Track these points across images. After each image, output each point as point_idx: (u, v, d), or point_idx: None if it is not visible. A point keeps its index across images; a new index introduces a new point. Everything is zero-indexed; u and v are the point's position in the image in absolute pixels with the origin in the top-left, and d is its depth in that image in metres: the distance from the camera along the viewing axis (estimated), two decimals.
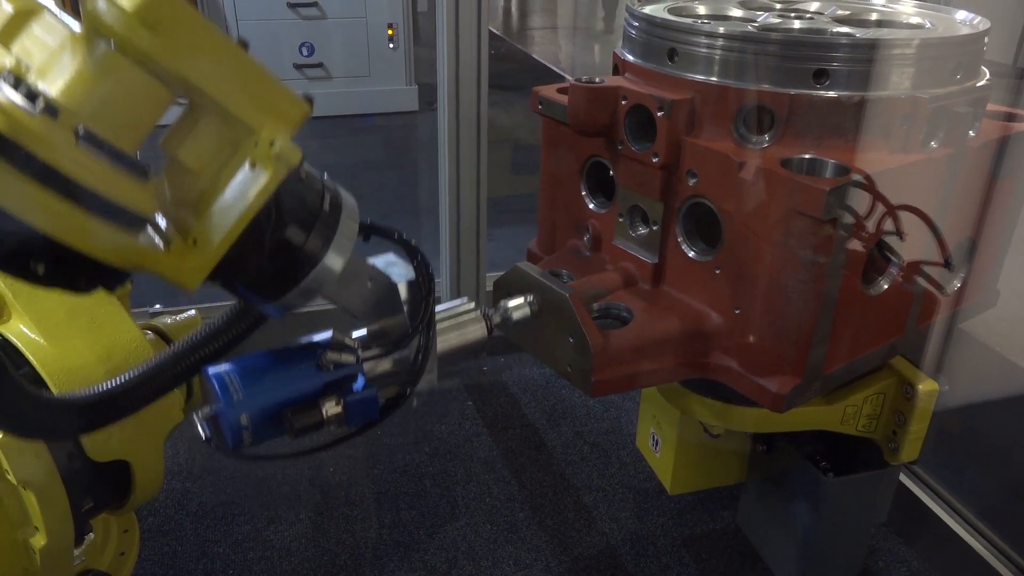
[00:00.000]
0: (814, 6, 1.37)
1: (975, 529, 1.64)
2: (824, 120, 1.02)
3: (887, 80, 1.00)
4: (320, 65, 4.56)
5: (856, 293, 1.06)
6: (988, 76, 1.15)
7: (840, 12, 1.28)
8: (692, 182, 1.08)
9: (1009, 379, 1.71)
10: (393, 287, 0.87)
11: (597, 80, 1.17)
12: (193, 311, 1.35)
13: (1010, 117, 1.20)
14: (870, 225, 0.99)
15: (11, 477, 1.00)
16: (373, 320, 0.90)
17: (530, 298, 1.11)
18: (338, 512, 1.79)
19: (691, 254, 1.13)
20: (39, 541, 1.03)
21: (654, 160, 1.10)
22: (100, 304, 1.12)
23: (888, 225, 1.01)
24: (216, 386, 0.79)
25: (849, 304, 1.05)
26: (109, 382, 0.77)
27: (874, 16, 1.27)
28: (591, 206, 1.31)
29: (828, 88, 1.00)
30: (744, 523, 1.76)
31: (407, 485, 1.88)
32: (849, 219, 0.95)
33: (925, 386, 1.28)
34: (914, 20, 1.24)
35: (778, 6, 1.38)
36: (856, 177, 0.94)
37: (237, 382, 0.80)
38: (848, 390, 1.30)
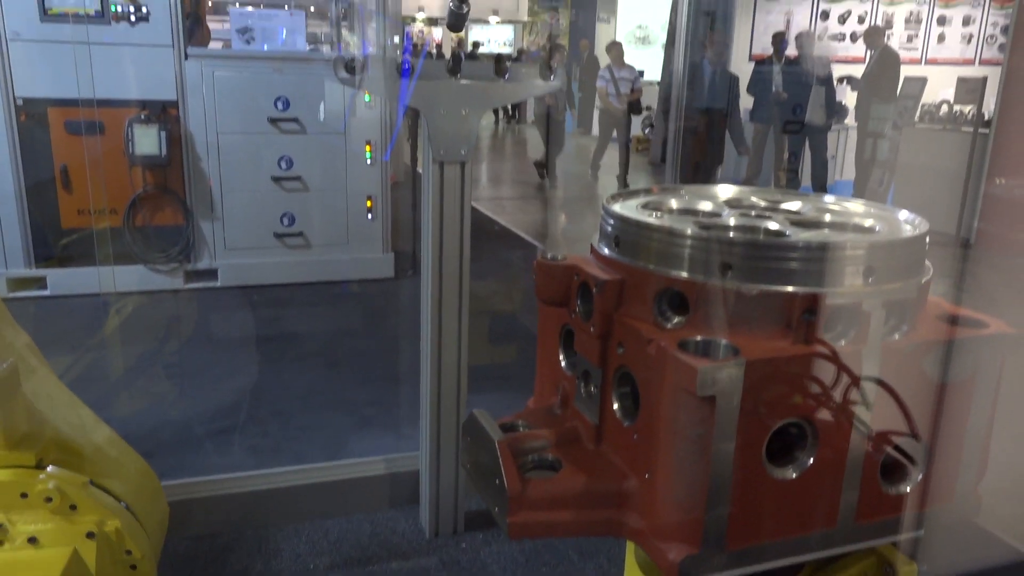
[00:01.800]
0: (795, 206, 1.49)
1: None
2: (730, 308, 1.12)
3: (789, 276, 1.10)
4: (300, 234, 4.92)
5: (758, 473, 1.12)
6: (925, 275, 1.21)
7: (805, 215, 1.39)
8: (620, 351, 1.21)
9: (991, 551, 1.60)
10: None
11: (559, 258, 1.34)
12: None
13: (953, 320, 1.24)
14: (767, 408, 1.07)
15: None
16: None
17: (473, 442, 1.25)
18: None
19: (620, 419, 1.24)
20: None
21: (591, 330, 1.24)
22: None
23: (791, 411, 1.08)
24: None
25: (751, 483, 1.11)
26: None
27: (829, 219, 1.37)
28: (564, 368, 1.45)
29: (732, 279, 1.12)
30: None
31: None
32: (733, 399, 1.04)
33: (907, 569, 1.27)
34: (868, 223, 1.33)
35: (763, 204, 1.51)
36: (739, 361, 1.03)
37: None
38: (829, 571, 1.31)
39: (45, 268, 4.55)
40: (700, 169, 6.91)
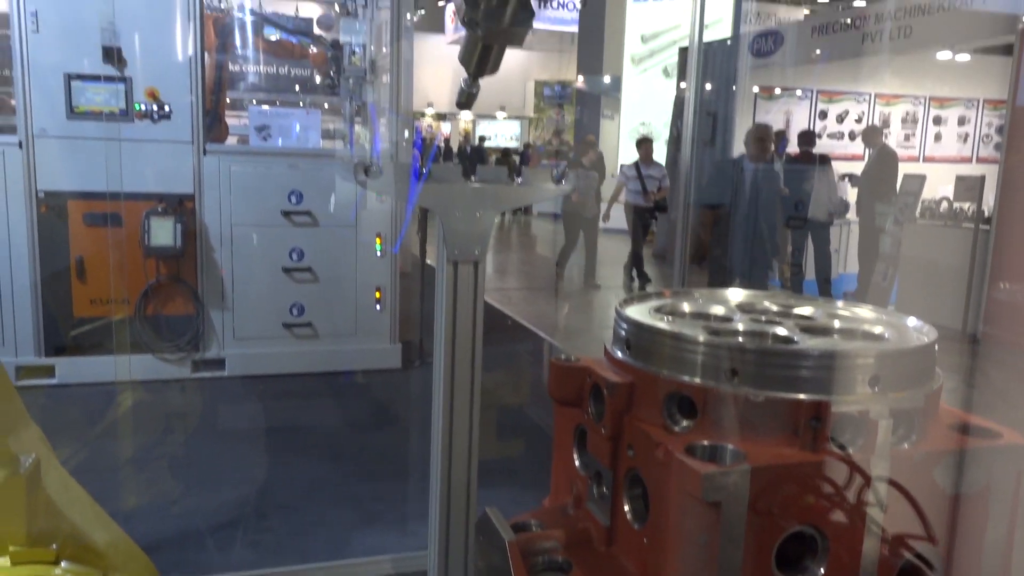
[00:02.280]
0: (807, 311, 1.52)
1: None
2: (738, 414, 1.14)
3: (796, 383, 1.13)
4: (309, 324, 4.93)
5: None
6: (935, 383, 1.23)
7: (816, 321, 1.43)
8: (631, 454, 1.22)
9: None
10: None
11: (573, 359, 1.37)
12: None
13: (964, 429, 1.25)
14: (774, 515, 1.07)
15: None
16: None
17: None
18: None
19: (630, 521, 1.24)
20: None
21: (603, 432, 1.25)
22: None
23: (800, 518, 1.08)
24: None
25: None
26: None
27: (839, 325, 1.40)
28: (577, 468, 1.45)
29: (739, 385, 1.14)
30: None
31: None
32: (739, 505, 1.05)
33: None
34: (877, 330, 1.36)
35: (775, 308, 1.54)
36: (745, 467, 1.05)
37: None
38: None
39: (55, 357, 4.58)
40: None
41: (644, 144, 9.73)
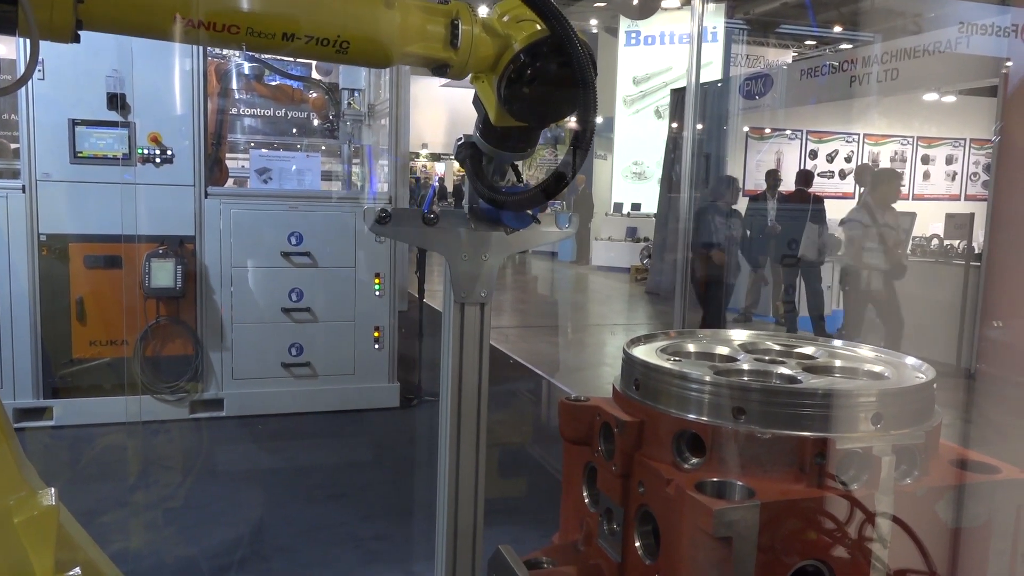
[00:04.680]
0: (808, 351, 1.57)
1: None
2: (746, 451, 1.18)
3: (801, 421, 1.16)
4: (307, 364, 4.95)
5: None
6: (935, 420, 1.27)
7: (817, 360, 1.47)
8: (641, 491, 1.25)
9: None
10: None
11: (582, 399, 1.41)
12: None
13: (963, 464, 1.29)
14: (783, 550, 1.10)
15: None
16: None
17: None
18: None
19: (642, 557, 1.27)
20: None
21: (613, 469, 1.29)
22: None
23: (807, 552, 1.11)
24: None
25: None
26: None
27: (840, 364, 1.44)
28: (587, 505, 1.48)
29: (746, 424, 1.17)
30: None
31: None
32: (750, 540, 1.08)
33: None
34: (878, 369, 1.40)
35: (777, 348, 1.58)
36: (754, 503, 1.08)
37: None
38: None
39: (52, 399, 4.58)
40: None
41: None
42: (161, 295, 4.61)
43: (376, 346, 5.06)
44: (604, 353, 8.02)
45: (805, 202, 8.09)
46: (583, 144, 1.33)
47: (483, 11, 1.39)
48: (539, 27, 1.35)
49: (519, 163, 1.65)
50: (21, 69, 4.30)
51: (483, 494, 2.06)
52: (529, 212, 1.57)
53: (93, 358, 4.64)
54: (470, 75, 1.40)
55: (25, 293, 4.45)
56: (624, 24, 14.60)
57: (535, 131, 1.48)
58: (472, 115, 1.56)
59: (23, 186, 4.38)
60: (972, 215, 7.27)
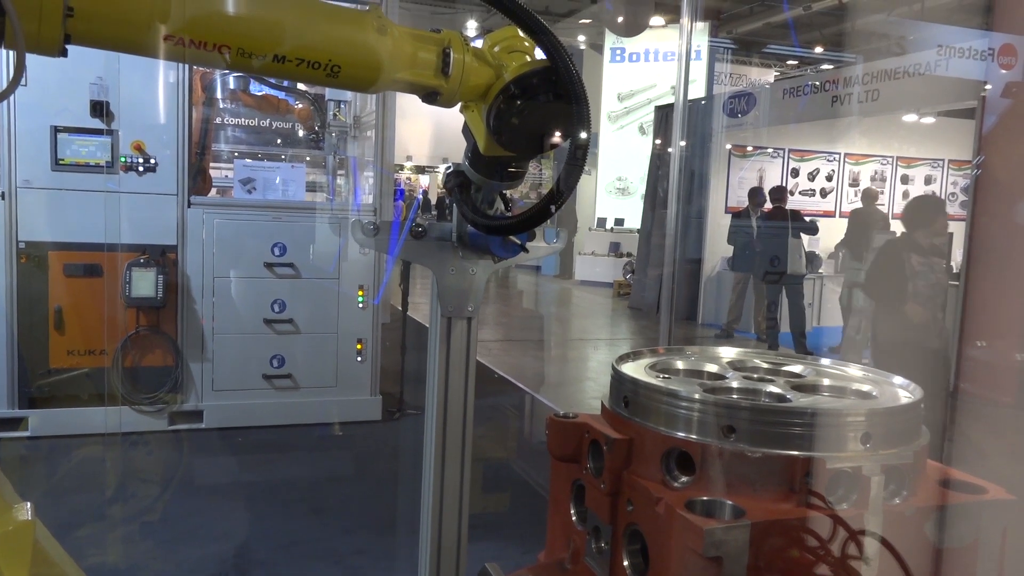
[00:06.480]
0: (796, 369, 1.57)
1: None
2: (735, 470, 1.17)
3: (790, 440, 1.16)
4: (289, 376, 4.92)
5: None
6: (922, 440, 1.27)
7: (806, 379, 1.47)
8: (630, 509, 1.24)
9: None
10: None
11: (571, 415, 1.40)
12: None
13: (945, 483, 1.29)
14: (775, 568, 1.10)
15: None
16: None
17: None
18: None
19: None
20: None
21: (601, 487, 1.28)
22: None
23: (798, 570, 1.11)
24: None
25: None
26: None
27: (828, 383, 1.44)
28: (574, 523, 1.47)
29: (736, 442, 1.17)
30: None
31: None
32: (740, 560, 1.07)
33: None
34: (865, 388, 1.40)
35: (765, 366, 1.58)
36: (744, 522, 1.07)
37: None
38: None
39: (29, 409, 4.51)
40: None
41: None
42: (142, 305, 4.56)
43: (359, 359, 5.03)
44: (587, 368, 8.02)
45: (785, 219, 8.17)
46: (569, 186, 1.32)
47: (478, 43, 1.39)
48: (530, 59, 1.35)
49: (507, 192, 1.64)
50: (4, 81, 4.26)
51: (467, 509, 2.05)
52: (517, 240, 1.56)
53: (71, 368, 4.58)
54: (460, 104, 1.40)
55: (2, 301, 4.38)
56: (609, 41, 14.70)
57: (524, 161, 1.47)
58: (458, 130, 1.55)
59: (2, 192, 4.33)
60: (951, 235, 7.35)
